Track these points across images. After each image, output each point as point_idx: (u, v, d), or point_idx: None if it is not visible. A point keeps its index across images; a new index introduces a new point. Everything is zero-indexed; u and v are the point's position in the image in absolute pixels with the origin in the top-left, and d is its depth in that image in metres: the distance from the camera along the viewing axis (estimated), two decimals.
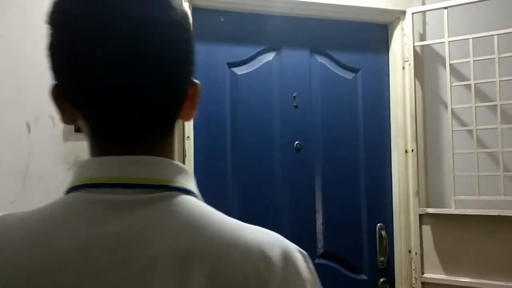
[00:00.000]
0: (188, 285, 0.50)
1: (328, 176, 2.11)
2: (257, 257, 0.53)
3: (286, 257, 0.55)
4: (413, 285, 2.10)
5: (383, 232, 2.15)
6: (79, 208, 0.54)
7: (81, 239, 0.52)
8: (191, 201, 0.57)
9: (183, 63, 0.59)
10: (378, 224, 2.17)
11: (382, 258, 2.15)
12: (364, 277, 2.15)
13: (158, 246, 0.51)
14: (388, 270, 2.17)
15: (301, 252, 0.58)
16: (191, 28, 0.60)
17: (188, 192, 0.58)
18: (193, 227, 0.54)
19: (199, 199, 0.59)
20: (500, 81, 1.98)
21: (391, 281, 2.16)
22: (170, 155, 0.60)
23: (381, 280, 2.15)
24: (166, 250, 0.51)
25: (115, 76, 0.54)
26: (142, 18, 0.54)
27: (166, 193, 0.56)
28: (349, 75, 2.18)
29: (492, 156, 2.09)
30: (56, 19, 0.55)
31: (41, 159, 1.72)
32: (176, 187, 0.57)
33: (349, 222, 2.14)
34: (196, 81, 0.62)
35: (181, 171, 0.59)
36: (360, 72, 2.19)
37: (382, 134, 2.21)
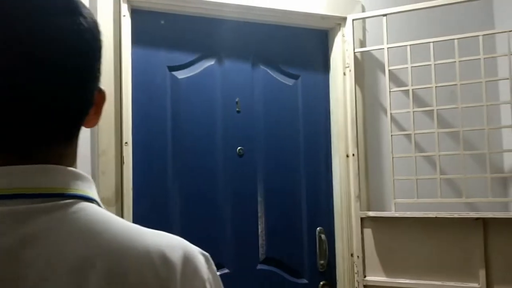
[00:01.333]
0: None
1: (270, 181, 2.11)
2: (157, 260, 0.54)
3: (187, 259, 0.56)
4: None
5: (322, 236, 2.17)
6: None
7: None
8: (90, 208, 0.56)
9: (88, 71, 0.59)
10: (318, 228, 2.18)
11: (322, 262, 2.17)
12: (305, 281, 2.16)
13: (53, 255, 0.51)
14: (328, 273, 2.18)
15: (203, 254, 0.59)
16: (100, 36, 0.61)
17: (88, 199, 0.57)
18: (91, 234, 0.53)
19: (100, 206, 0.59)
20: (436, 87, 2.04)
21: (331, 284, 2.18)
22: (72, 163, 0.59)
23: (321, 283, 2.17)
24: (62, 258, 0.51)
25: (9, 83, 0.53)
26: (45, 24, 0.54)
27: (63, 202, 0.54)
28: (290, 81, 2.19)
29: (429, 160, 2.15)
30: None
31: None
32: (75, 195, 0.56)
33: (291, 227, 2.14)
34: (102, 87, 0.62)
35: (80, 178, 0.58)
36: (301, 78, 2.20)
37: (323, 139, 2.23)
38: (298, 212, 2.16)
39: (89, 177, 0.60)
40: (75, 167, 0.60)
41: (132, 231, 0.56)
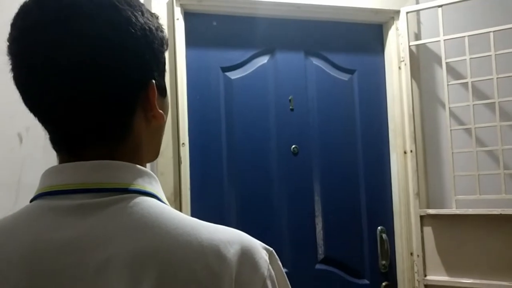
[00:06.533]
0: (140, 286, 0.50)
1: (326, 180, 2.08)
2: (210, 255, 0.52)
3: (244, 255, 0.54)
4: None
5: (383, 235, 2.12)
6: (36, 215, 0.55)
7: (32, 246, 0.52)
8: (148, 202, 0.56)
9: (125, 67, 0.57)
10: (379, 227, 2.13)
11: (383, 262, 2.12)
12: (366, 281, 2.11)
13: (110, 248, 0.52)
14: (390, 274, 2.13)
15: (266, 249, 0.58)
16: (146, 31, 0.59)
17: (147, 194, 0.58)
18: (147, 228, 0.53)
19: (162, 201, 0.59)
20: (497, 78, 1.96)
21: (393, 285, 2.12)
22: (131, 159, 0.59)
23: (383, 284, 2.12)
24: (119, 252, 0.51)
25: (53, 90, 0.55)
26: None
27: (121, 196, 0.56)
28: (344, 77, 2.16)
29: (492, 154, 2.07)
30: (16, 39, 0.57)
31: (34, 170, 1.69)
32: (133, 190, 0.57)
33: (349, 226, 2.11)
34: (152, 80, 0.60)
35: (140, 174, 0.59)
36: (356, 73, 2.17)
37: (380, 135, 2.18)
38: (356, 210, 2.12)
39: (151, 173, 0.60)
40: (142, 164, 0.61)
41: (188, 226, 0.55)
